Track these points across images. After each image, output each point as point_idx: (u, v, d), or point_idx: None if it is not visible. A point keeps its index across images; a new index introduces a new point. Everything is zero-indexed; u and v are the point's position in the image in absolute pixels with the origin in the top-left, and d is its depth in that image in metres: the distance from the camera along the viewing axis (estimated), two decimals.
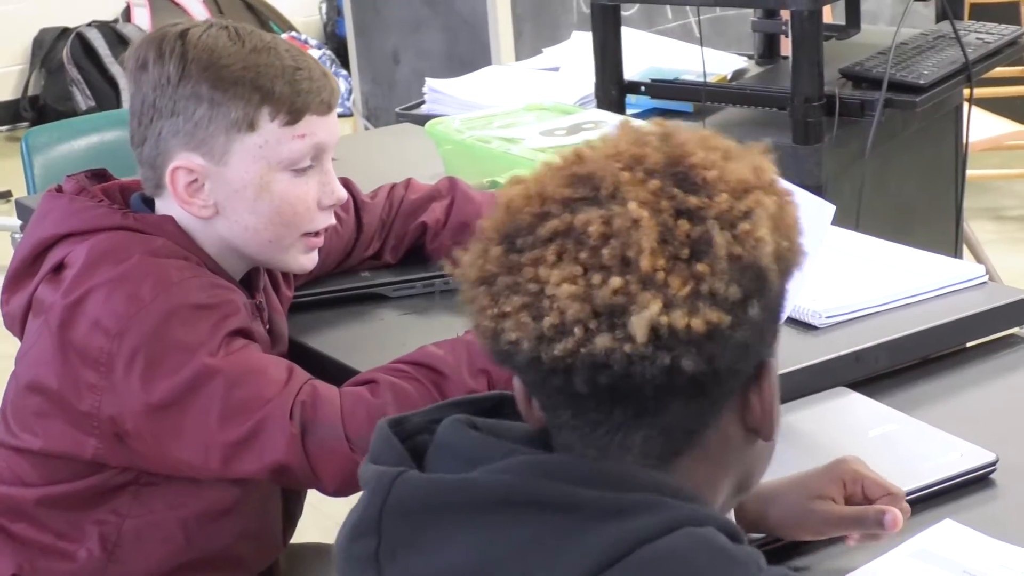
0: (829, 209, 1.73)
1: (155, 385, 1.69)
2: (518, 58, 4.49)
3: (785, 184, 1.15)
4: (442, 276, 2.12)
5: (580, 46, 3.59)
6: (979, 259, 3.98)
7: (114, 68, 6.68)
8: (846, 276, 1.97)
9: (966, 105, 3.32)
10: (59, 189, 1.87)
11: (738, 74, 3.38)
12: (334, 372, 1.86)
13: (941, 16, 3.37)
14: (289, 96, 1.77)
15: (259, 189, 1.78)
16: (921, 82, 2.93)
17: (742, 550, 1.05)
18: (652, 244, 1.05)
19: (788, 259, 1.12)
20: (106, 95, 6.67)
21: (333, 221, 1.89)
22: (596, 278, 1.05)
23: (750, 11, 4.83)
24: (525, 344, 1.07)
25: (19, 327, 1.86)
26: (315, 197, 1.83)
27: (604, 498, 1.05)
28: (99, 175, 1.91)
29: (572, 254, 1.07)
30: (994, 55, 3.18)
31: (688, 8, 4.79)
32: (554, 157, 1.15)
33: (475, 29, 4.59)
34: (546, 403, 1.12)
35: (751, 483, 1.20)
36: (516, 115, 2.49)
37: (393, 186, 2.19)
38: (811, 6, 2.87)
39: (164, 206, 1.82)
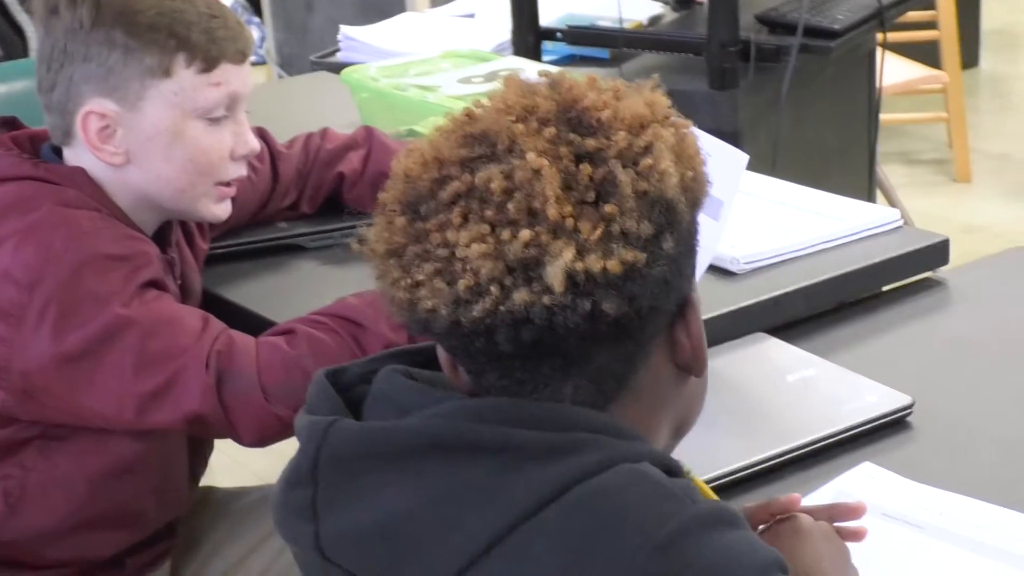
0: (743, 158, 1.74)
1: (67, 336, 1.67)
2: (433, 5, 4.46)
3: (681, 117, 1.14)
4: (359, 226, 2.09)
5: None
6: (892, 203, 4.01)
7: (21, 16, 6.54)
8: (763, 222, 1.98)
9: (879, 50, 3.34)
10: None
11: (654, 20, 3.38)
12: (251, 324, 1.84)
13: None
14: (205, 44, 1.74)
15: (173, 136, 1.76)
16: (835, 27, 2.94)
17: (677, 483, 1.05)
18: (556, 192, 1.04)
19: (694, 189, 1.12)
20: (13, 43, 6.54)
21: (246, 172, 1.87)
22: (505, 234, 1.04)
23: None
24: (443, 310, 1.06)
25: None
26: (228, 147, 1.81)
27: (538, 438, 1.05)
28: (7, 123, 1.88)
29: (478, 213, 1.05)
30: (906, 0, 3.20)
31: None
32: (444, 121, 1.13)
33: None
34: (471, 367, 1.11)
35: (689, 423, 1.20)
36: (433, 63, 2.48)
37: (309, 136, 2.17)
38: None
39: (73, 155, 1.79)
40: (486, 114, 1.10)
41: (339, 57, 3.32)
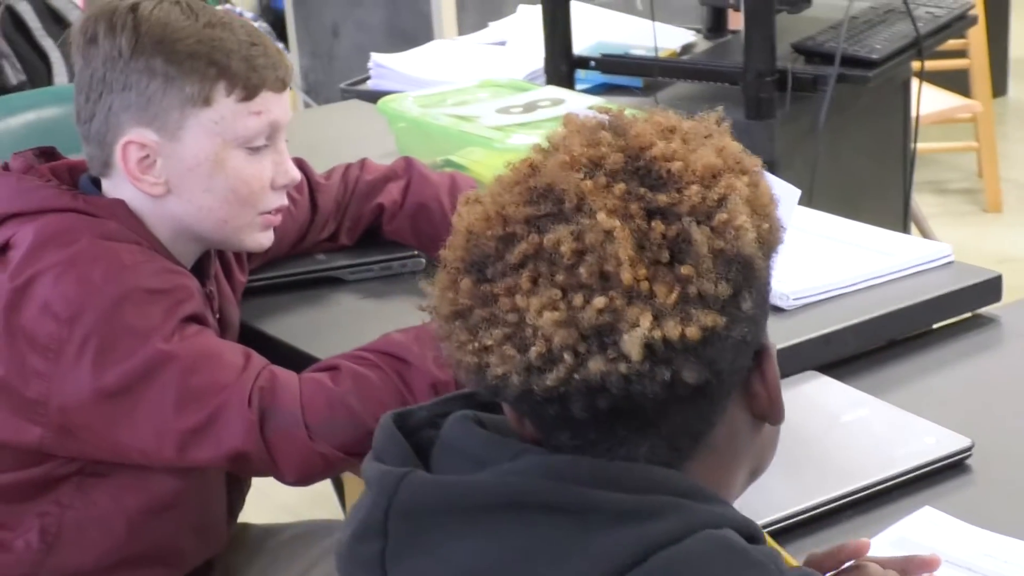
0: (795, 193, 1.71)
1: (107, 371, 1.64)
2: (461, 32, 4.44)
3: (751, 158, 1.11)
4: (399, 258, 2.08)
5: (527, 20, 3.55)
6: (925, 233, 3.98)
7: (45, 42, 6.54)
8: (812, 257, 1.95)
9: (915, 79, 3.31)
10: (5, 167, 1.81)
11: (687, 48, 3.36)
12: (290, 358, 1.81)
13: None
14: (245, 72, 1.72)
15: (213, 166, 1.73)
16: (873, 57, 2.91)
17: (760, 551, 1.02)
18: (629, 254, 1.01)
19: (770, 241, 1.08)
20: (37, 69, 6.54)
21: (286, 202, 1.84)
22: (577, 299, 1.01)
23: None
24: (514, 378, 1.03)
25: None
26: (269, 176, 1.78)
27: (618, 500, 1.01)
28: (46, 153, 1.85)
29: (547, 277, 1.02)
30: (944, 29, 3.17)
31: None
32: (504, 170, 1.10)
33: (417, 2, 4.53)
34: (541, 426, 1.08)
35: (763, 468, 1.17)
36: (470, 92, 2.45)
37: (348, 167, 2.14)
38: None
39: (112, 186, 1.77)
40: (550, 166, 1.06)
41: (369, 85, 3.30)
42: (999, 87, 5.45)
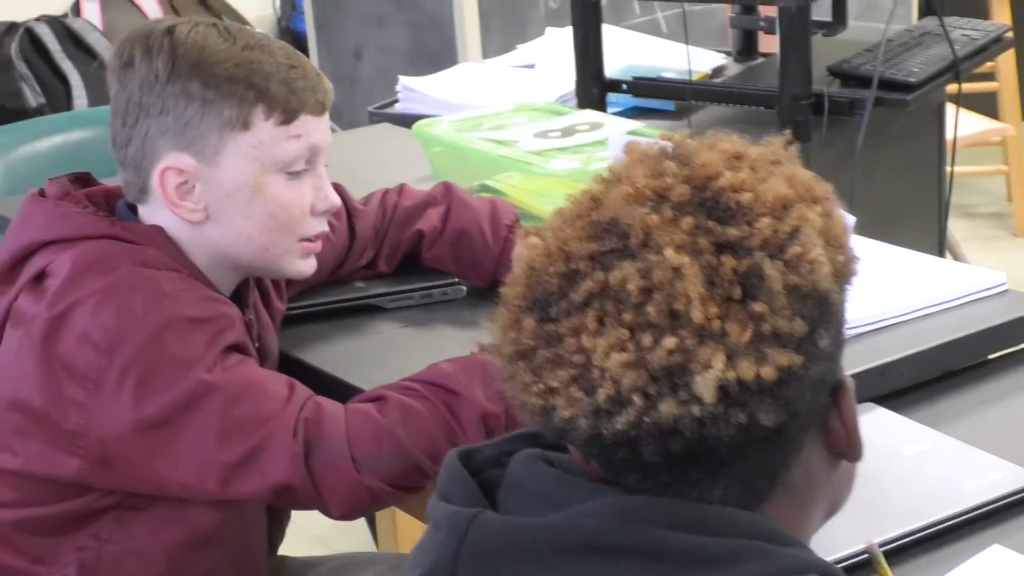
0: (850, 220, 1.66)
1: (148, 402, 1.60)
2: (485, 54, 4.40)
3: (823, 186, 1.07)
4: (439, 286, 2.04)
5: (555, 42, 3.51)
6: (958, 258, 3.94)
7: (64, 64, 6.54)
8: (863, 285, 1.89)
9: (951, 102, 3.27)
10: (41, 193, 1.77)
11: (717, 71, 3.32)
12: (330, 387, 1.77)
13: (925, 12, 3.31)
14: (284, 95, 1.69)
15: (252, 191, 1.70)
16: (911, 80, 2.87)
17: None
18: (699, 292, 0.97)
19: (845, 273, 1.04)
20: (56, 92, 6.53)
21: (326, 228, 1.80)
22: (646, 339, 0.97)
23: (718, 7, 4.79)
24: (582, 421, 0.99)
25: None
26: (309, 202, 1.75)
27: (698, 544, 0.97)
28: (81, 179, 1.82)
29: (614, 317, 0.98)
30: (980, 52, 3.13)
31: (656, 3, 4.72)
32: (565, 202, 1.06)
33: (441, 24, 4.50)
34: (609, 467, 1.04)
35: (840, 505, 1.13)
36: (507, 116, 2.41)
37: (386, 192, 2.11)
38: (799, 3, 2.80)
39: (149, 213, 1.73)
40: (613, 199, 1.01)
41: (398, 108, 3.27)
42: None
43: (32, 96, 6.53)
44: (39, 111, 6.23)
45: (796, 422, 1.01)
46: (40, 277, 1.69)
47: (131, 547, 1.72)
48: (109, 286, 1.64)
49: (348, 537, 3.14)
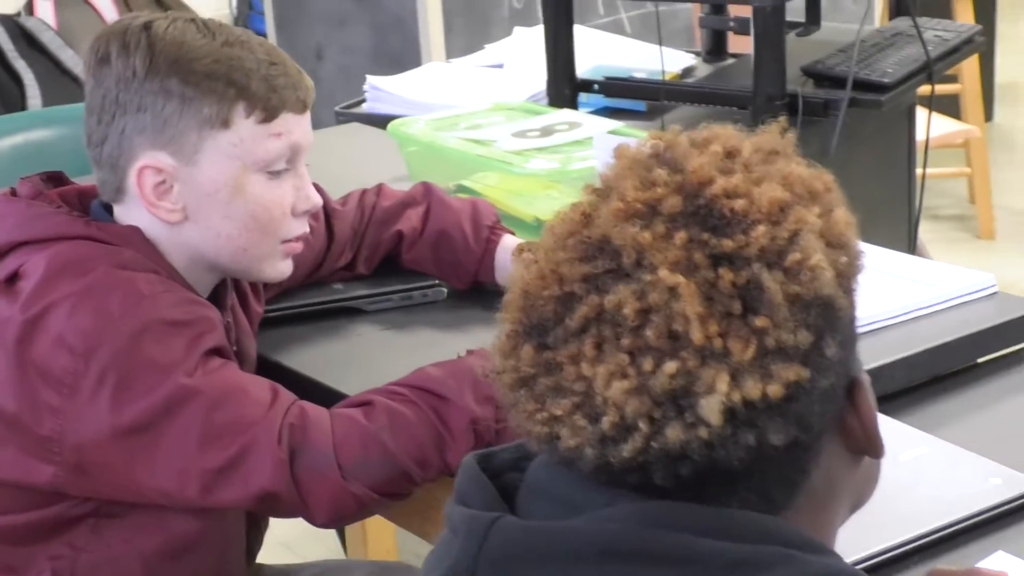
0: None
1: (126, 407, 1.56)
2: (449, 55, 4.36)
3: (821, 178, 1.02)
4: (420, 288, 2.00)
5: (523, 42, 3.48)
6: (924, 258, 3.92)
7: (18, 63, 6.45)
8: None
9: (920, 105, 3.26)
10: (12, 192, 1.72)
11: (687, 72, 3.30)
12: (310, 391, 1.72)
13: (895, 13, 3.30)
14: (265, 92, 1.65)
15: (232, 191, 1.66)
16: (885, 81, 2.85)
17: None
18: (698, 310, 0.93)
19: (849, 273, 1.00)
20: (9, 91, 6.45)
21: (307, 229, 1.76)
22: (647, 364, 0.93)
23: (683, 7, 4.77)
24: (588, 450, 0.96)
25: None
26: (290, 202, 1.71)
27: (725, 549, 0.94)
28: (54, 178, 1.77)
29: (612, 342, 0.95)
30: (952, 53, 3.12)
31: (620, 3, 4.70)
32: (555, 219, 1.02)
33: (404, 24, 4.45)
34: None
35: (864, 499, 1.10)
36: (483, 116, 2.38)
37: (363, 192, 2.07)
38: (774, 2, 2.77)
39: (125, 212, 1.69)
40: (604, 217, 0.98)
41: (365, 108, 3.23)
42: (986, 113, 5.42)
43: None
44: None
45: (809, 433, 0.98)
46: (13, 279, 1.64)
47: (107, 556, 1.67)
48: (85, 288, 1.59)
49: (316, 543, 3.09)
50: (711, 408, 0.92)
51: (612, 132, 2.15)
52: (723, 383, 0.92)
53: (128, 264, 1.63)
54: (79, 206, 1.73)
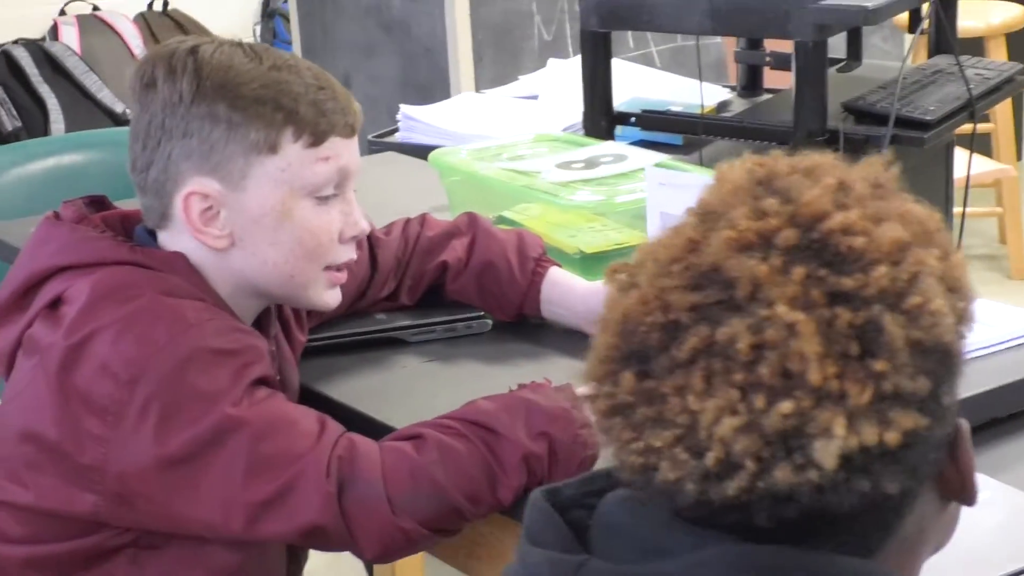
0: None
1: (171, 437, 1.52)
2: (478, 86, 4.34)
3: (933, 218, 0.99)
4: (464, 319, 1.96)
5: (557, 74, 3.46)
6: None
7: (42, 88, 6.45)
8: None
9: (959, 144, 3.23)
10: (56, 216, 1.70)
11: (723, 106, 3.27)
12: (354, 422, 1.68)
13: (935, 50, 3.26)
14: (313, 117, 1.62)
15: (280, 217, 1.63)
16: (928, 118, 2.82)
17: None
18: (816, 350, 0.89)
19: (966, 319, 0.97)
20: (33, 116, 6.44)
21: (355, 255, 1.73)
22: (759, 401, 0.90)
23: (714, 41, 4.74)
24: (689, 485, 0.92)
25: (5, 367, 1.68)
26: (338, 228, 1.68)
27: None
28: (96, 202, 1.74)
29: (723, 376, 0.91)
30: (994, 91, 3.08)
31: (650, 37, 4.67)
32: (655, 243, 0.99)
33: (433, 54, 4.43)
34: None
35: (945, 543, 1.07)
36: (525, 146, 2.35)
37: (407, 221, 2.03)
38: (816, 37, 2.74)
39: (169, 239, 1.66)
40: (714, 245, 0.94)
41: (397, 137, 3.20)
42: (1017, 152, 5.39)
43: (8, 120, 6.43)
44: (15, 135, 6.15)
45: (917, 481, 0.94)
46: (55, 304, 1.62)
47: None
48: (130, 315, 1.56)
49: (342, 563, 3.05)
50: (827, 452, 0.88)
51: (659, 165, 2.12)
52: (840, 427, 0.88)
53: (174, 291, 1.60)
54: (122, 231, 1.70)
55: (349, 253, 1.71)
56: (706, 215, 0.98)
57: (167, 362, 1.53)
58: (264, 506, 1.52)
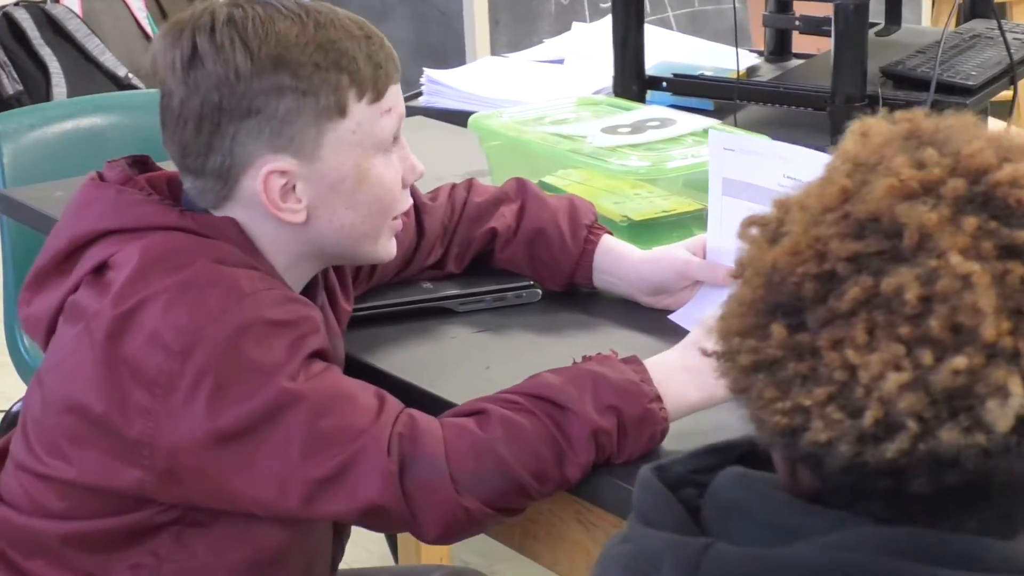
0: None
1: (225, 411, 1.46)
2: (494, 50, 4.27)
3: None
4: (514, 288, 1.90)
5: (582, 37, 3.39)
6: None
7: (43, 51, 6.36)
8: None
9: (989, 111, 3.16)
10: (100, 177, 1.62)
11: (751, 71, 3.20)
12: (402, 394, 1.61)
13: (969, 15, 3.20)
14: (372, 72, 1.56)
15: (357, 179, 1.58)
16: (970, 84, 2.75)
17: None
18: (993, 303, 0.85)
19: None
20: (35, 79, 6.35)
21: (411, 201, 1.69)
22: (926, 357, 0.85)
23: (727, 6, 4.66)
24: (842, 446, 0.87)
25: (44, 333, 1.62)
26: (400, 176, 1.62)
27: None
28: (140, 163, 1.67)
29: (886, 329, 0.86)
30: None
31: (667, 1, 4.60)
32: (802, 192, 0.94)
33: (448, 18, 4.36)
34: (842, 495, 0.91)
35: None
36: (568, 110, 2.28)
37: (454, 187, 1.97)
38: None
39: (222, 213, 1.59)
40: (875, 193, 0.89)
41: (421, 101, 3.13)
42: None
43: (9, 83, 6.34)
44: (16, 99, 6.06)
45: None
46: (101, 269, 1.55)
47: (191, 566, 1.58)
48: (182, 283, 1.50)
49: (355, 547, 2.99)
50: (1001, 413, 0.84)
51: (709, 129, 2.05)
52: (1017, 386, 0.83)
53: (226, 258, 1.53)
54: (168, 195, 1.63)
55: (408, 200, 1.67)
56: (858, 165, 0.93)
57: (221, 333, 1.47)
58: (322, 484, 1.46)
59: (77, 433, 1.54)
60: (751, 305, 0.92)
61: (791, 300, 0.89)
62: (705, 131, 2.11)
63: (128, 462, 1.50)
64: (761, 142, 1.71)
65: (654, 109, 2.24)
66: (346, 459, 1.45)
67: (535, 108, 2.27)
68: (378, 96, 1.56)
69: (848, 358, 0.86)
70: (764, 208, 1.74)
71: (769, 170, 1.73)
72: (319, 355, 1.52)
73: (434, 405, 1.62)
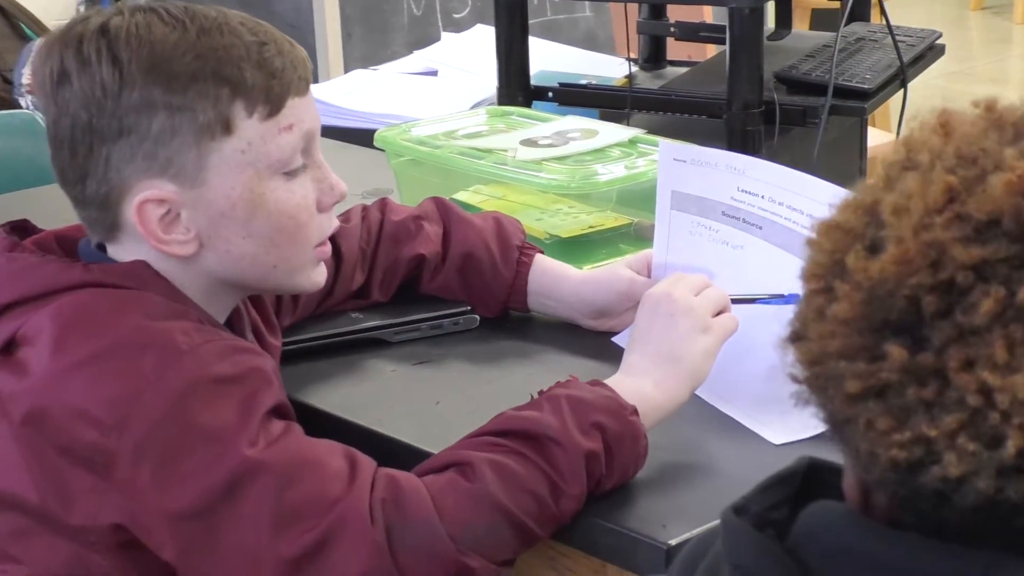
0: None
1: (177, 489, 1.30)
2: (347, 65, 4.13)
3: None
4: (450, 315, 1.77)
5: (454, 48, 3.28)
6: None
7: None
8: None
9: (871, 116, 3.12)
10: None
11: (630, 79, 3.11)
12: (350, 436, 1.48)
13: (850, 18, 3.15)
14: (263, 82, 1.39)
15: (251, 205, 1.41)
16: (867, 87, 2.70)
17: None
18: None
19: None
20: None
21: (337, 223, 1.53)
22: None
23: (581, 15, 4.60)
24: (980, 482, 0.76)
25: None
26: (314, 199, 1.46)
27: None
28: (19, 228, 1.49)
29: None
30: (919, 59, 2.98)
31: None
32: (898, 195, 0.83)
33: (298, 31, 4.19)
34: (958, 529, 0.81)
35: None
36: (479, 123, 2.15)
37: (365, 208, 1.81)
38: (753, 3, 2.60)
39: (123, 251, 1.43)
40: (995, 190, 0.79)
41: None
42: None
43: None
44: None
45: None
46: (9, 347, 1.37)
47: None
48: (107, 347, 1.33)
49: None
50: None
51: (634, 140, 1.94)
52: None
53: (153, 311, 1.36)
54: (62, 253, 1.45)
55: (332, 222, 1.50)
56: (960, 159, 0.82)
57: (160, 399, 1.30)
58: (299, 562, 1.29)
59: (18, 527, 1.36)
60: (852, 323, 0.80)
61: (904, 316, 0.79)
62: (631, 141, 2.00)
63: (84, 547, 1.34)
64: (715, 153, 1.61)
65: (572, 120, 2.13)
66: (323, 532, 1.29)
67: (442, 122, 2.14)
68: (274, 111, 1.40)
69: (984, 380, 0.76)
70: (717, 223, 1.66)
71: (722, 183, 1.63)
72: (276, 411, 1.36)
73: (388, 447, 1.50)
